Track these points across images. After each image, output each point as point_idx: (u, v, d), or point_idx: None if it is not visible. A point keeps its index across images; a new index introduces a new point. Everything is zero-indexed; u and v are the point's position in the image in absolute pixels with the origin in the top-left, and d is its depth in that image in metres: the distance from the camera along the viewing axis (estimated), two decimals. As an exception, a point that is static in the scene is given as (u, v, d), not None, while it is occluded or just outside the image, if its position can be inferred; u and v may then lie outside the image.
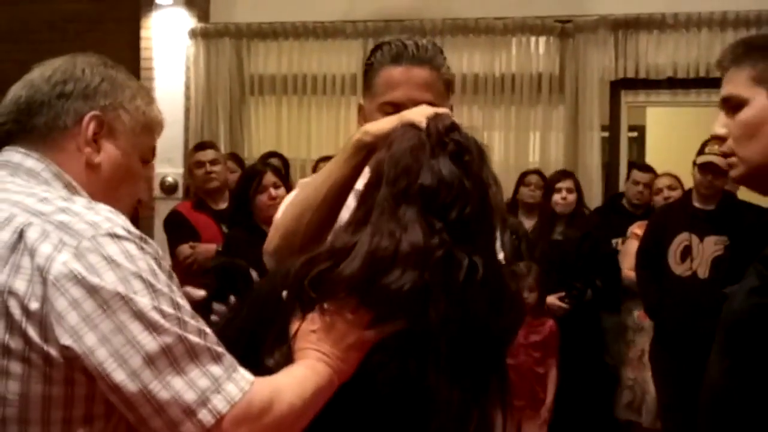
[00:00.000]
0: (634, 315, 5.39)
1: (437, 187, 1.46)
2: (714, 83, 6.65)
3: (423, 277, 1.40)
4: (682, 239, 4.79)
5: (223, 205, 4.95)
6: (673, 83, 6.47)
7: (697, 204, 4.86)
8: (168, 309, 1.28)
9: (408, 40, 2.02)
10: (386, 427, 1.45)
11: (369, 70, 2.05)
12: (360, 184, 1.67)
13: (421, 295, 1.40)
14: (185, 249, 4.72)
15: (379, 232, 1.44)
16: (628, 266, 5.19)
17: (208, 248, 4.65)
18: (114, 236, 1.29)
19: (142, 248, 1.31)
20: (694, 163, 4.81)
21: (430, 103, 1.87)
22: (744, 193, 5.89)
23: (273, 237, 1.81)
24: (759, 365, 1.50)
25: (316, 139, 6.99)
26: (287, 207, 1.80)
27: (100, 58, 1.53)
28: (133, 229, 1.34)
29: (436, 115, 1.59)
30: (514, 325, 1.65)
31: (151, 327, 1.25)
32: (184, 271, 4.65)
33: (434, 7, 6.73)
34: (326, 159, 5.83)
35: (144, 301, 1.26)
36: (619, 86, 6.59)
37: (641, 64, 6.44)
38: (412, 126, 1.57)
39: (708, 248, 4.72)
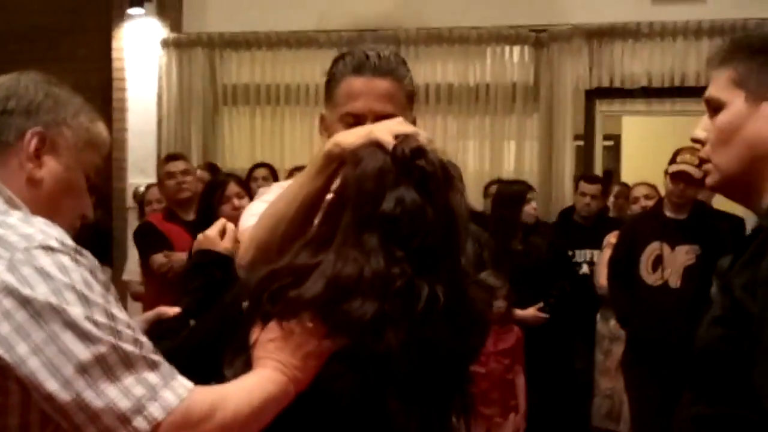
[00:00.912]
0: (611, 324, 5.37)
1: (399, 216, 1.47)
2: (689, 92, 6.66)
3: (383, 307, 1.41)
4: (653, 248, 4.78)
5: (194, 216, 4.90)
6: (648, 92, 6.47)
7: (668, 213, 4.85)
8: (102, 319, 1.29)
9: (370, 51, 1.98)
10: (347, 417, 1.45)
11: (330, 80, 2.02)
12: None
13: (380, 324, 1.40)
14: (160, 258, 4.67)
15: (343, 257, 1.45)
16: (603, 276, 5.18)
17: (182, 257, 4.60)
18: (47, 248, 1.31)
19: (76, 260, 1.32)
20: (666, 172, 4.81)
21: (391, 115, 1.85)
22: (720, 202, 5.92)
23: (247, 250, 1.79)
24: (721, 398, 1.46)
25: (290, 149, 6.96)
26: (260, 219, 1.77)
27: (44, 76, 1.56)
28: (68, 241, 1.35)
29: (405, 137, 1.57)
30: (477, 346, 1.65)
31: (84, 337, 1.26)
32: (159, 282, 4.60)
33: (408, 17, 6.71)
34: (300, 168, 5.82)
35: (76, 311, 1.27)
36: (593, 95, 6.60)
37: (616, 73, 6.45)
38: (379, 147, 1.56)
39: (679, 257, 4.72)
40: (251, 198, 4.35)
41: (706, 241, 4.67)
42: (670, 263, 4.73)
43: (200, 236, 2.12)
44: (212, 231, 2.10)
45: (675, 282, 4.71)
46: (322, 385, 1.44)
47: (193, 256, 2.15)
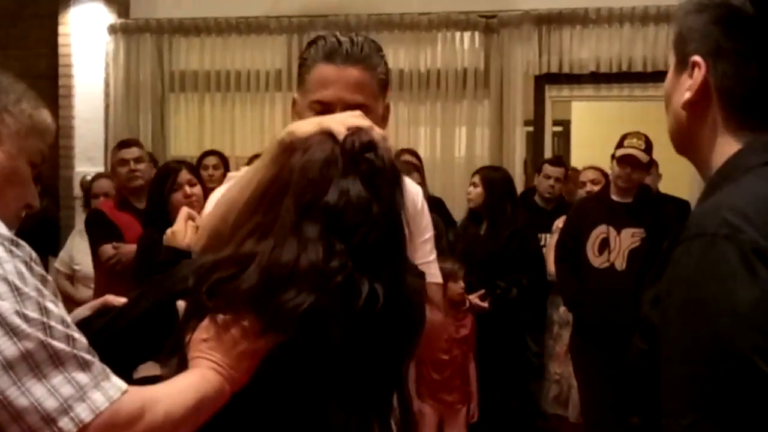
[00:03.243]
0: (560, 310, 5.43)
1: (343, 208, 1.44)
2: (636, 77, 6.75)
3: (320, 301, 1.38)
4: (599, 231, 4.84)
5: (146, 204, 4.86)
6: (597, 77, 6.53)
7: (614, 197, 4.91)
8: (32, 314, 1.24)
9: (344, 37, 1.97)
10: (283, 413, 1.43)
11: (302, 64, 2.01)
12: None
13: (316, 318, 1.37)
14: (108, 249, 4.61)
15: (279, 245, 1.42)
16: (551, 261, 5.22)
17: (131, 248, 4.54)
18: None
19: (10, 251, 1.28)
20: (613, 156, 4.86)
21: (361, 105, 1.85)
22: (666, 186, 6.01)
23: (200, 237, 1.78)
24: (647, 408, 1.41)
25: (240, 137, 6.91)
26: (214, 206, 1.76)
27: None
28: (3, 230, 1.31)
29: (356, 130, 1.54)
30: (413, 346, 1.62)
31: (12, 332, 1.22)
32: (108, 272, 4.55)
33: (359, 3, 6.69)
34: (257, 157, 5.77)
35: (5, 305, 1.23)
36: (543, 81, 6.63)
37: (564, 59, 6.49)
38: (329, 136, 1.53)
39: (625, 240, 4.78)
40: (203, 186, 4.31)
41: (651, 225, 4.74)
42: (615, 246, 4.79)
43: (168, 232, 2.07)
44: (178, 225, 2.06)
45: (620, 265, 4.77)
46: (258, 384, 1.41)
47: (162, 253, 2.10)
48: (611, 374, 4.60)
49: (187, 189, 4.17)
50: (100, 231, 4.76)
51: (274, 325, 1.38)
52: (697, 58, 1.36)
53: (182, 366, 1.41)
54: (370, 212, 1.45)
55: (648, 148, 4.78)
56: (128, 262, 4.37)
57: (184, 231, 2.05)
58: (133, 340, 1.49)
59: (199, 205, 4.12)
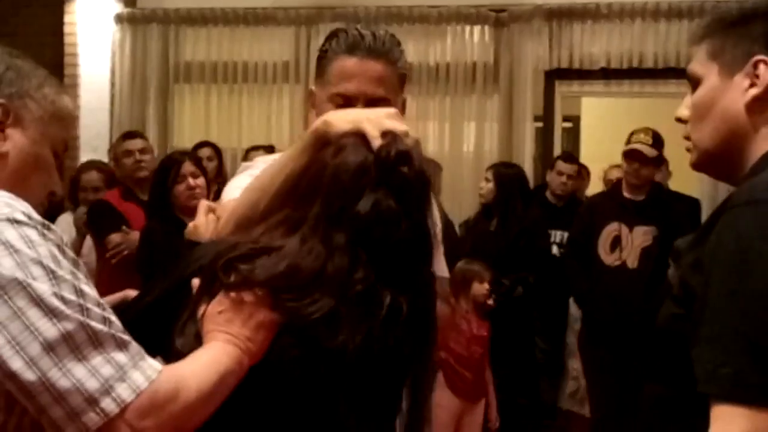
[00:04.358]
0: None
1: (373, 220, 1.44)
2: (647, 74, 6.72)
3: (338, 308, 1.39)
4: (611, 229, 4.82)
5: (150, 196, 4.81)
6: (607, 73, 6.49)
7: (626, 194, 4.88)
8: (69, 296, 1.25)
9: (365, 30, 1.97)
10: (296, 410, 1.42)
11: (323, 57, 2.00)
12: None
13: (332, 324, 1.38)
14: (116, 237, 4.54)
15: (307, 247, 1.43)
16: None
17: (136, 237, 4.50)
18: (14, 222, 1.27)
19: (43, 234, 1.29)
20: (623, 153, 4.84)
21: (383, 99, 1.86)
22: (676, 184, 5.96)
23: (227, 223, 1.76)
24: (674, 377, 1.46)
25: (247, 128, 6.88)
26: (242, 193, 1.74)
27: (4, 48, 1.51)
28: (35, 215, 1.31)
29: (392, 138, 1.52)
30: (430, 353, 1.62)
31: (51, 313, 1.22)
32: (113, 265, 4.49)
33: (368, -5, 6.65)
34: (257, 148, 5.75)
35: (43, 287, 1.23)
36: (553, 76, 6.59)
37: (575, 54, 6.45)
38: (363, 141, 1.52)
39: (637, 238, 4.75)
40: (206, 177, 4.26)
41: (663, 223, 4.71)
42: (627, 244, 4.76)
43: (190, 226, 2.04)
44: (200, 219, 2.03)
45: (632, 263, 4.75)
46: (273, 357, 1.41)
47: (184, 247, 2.06)
48: (620, 371, 4.58)
49: (191, 181, 4.15)
50: (106, 221, 4.72)
51: (290, 323, 1.38)
52: (762, 56, 1.46)
53: (198, 339, 1.41)
54: (399, 227, 1.45)
55: (657, 143, 4.74)
56: (132, 251, 4.34)
57: (205, 224, 2.02)
58: (151, 323, 1.47)
59: (202, 196, 4.10)
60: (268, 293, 1.39)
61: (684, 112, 1.59)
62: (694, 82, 1.56)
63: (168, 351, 1.39)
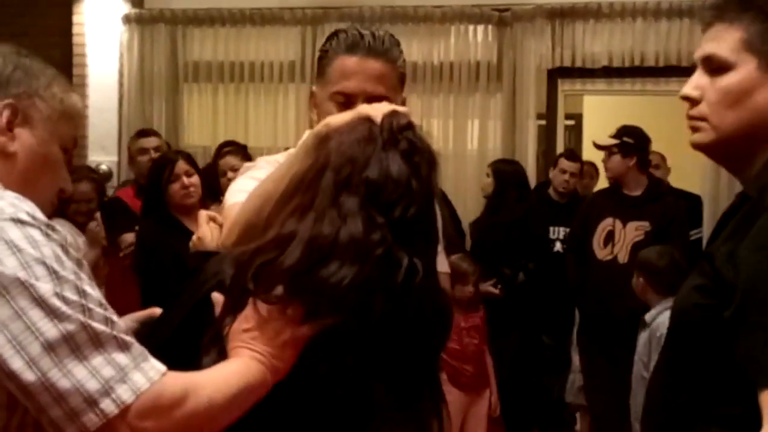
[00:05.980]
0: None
1: (384, 182, 1.44)
2: (648, 72, 6.74)
3: (362, 273, 1.37)
4: (606, 224, 4.89)
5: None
6: (609, 72, 6.52)
7: (625, 190, 4.94)
8: (72, 296, 1.25)
9: (365, 30, 2.00)
10: (322, 426, 1.42)
11: (323, 57, 2.03)
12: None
13: (359, 292, 1.37)
14: (129, 237, 4.57)
15: (319, 219, 1.42)
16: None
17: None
18: (17, 221, 1.27)
19: (47, 234, 1.29)
20: None
21: (383, 97, 1.86)
22: (676, 182, 6.00)
23: (232, 231, 1.76)
24: (694, 364, 1.47)
25: (254, 128, 6.91)
26: (247, 199, 1.75)
27: (13, 47, 1.51)
28: (39, 215, 1.31)
29: (393, 112, 1.55)
30: (445, 334, 1.63)
31: (52, 314, 1.22)
32: (123, 264, 4.54)
33: (373, -5, 6.69)
34: (228, 145, 5.55)
35: (46, 287, 1.23)
36: (555, 75, 6.62)
37: (577, 53, 6.48)
38: (366, 119, 1.54)
39: (629, 233, 4.82)
40: (200, 176, 4.25)
41: (656, 219, 4.76)
42: (620, 239, 4.83)
43: (194, 238, 2.04)
44: (202, 230, 2.03)
45: (623, 258, 4.81)
46: (300, 372, 1.40)
47: (191, 260, 2.07)
48: (611, 364, 4.65)
49: (185, 180, 4.13)
50: (119, 218, 4.73)
51: (317, 304, 1.37)
52: None
53: (222, 356, 1.40)
54: (411, 187, 1.44)
55: (621, 134, 4.87)
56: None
57: (209, 234, 2.02)
58: (180, 347, 1.45)
59: (196, 195, 4.11)
60: (297, 306, 1.37)
61: (694, 92, 1.55)
62: (716, 65, 1.52)
63: (196, 369, 1.37)
